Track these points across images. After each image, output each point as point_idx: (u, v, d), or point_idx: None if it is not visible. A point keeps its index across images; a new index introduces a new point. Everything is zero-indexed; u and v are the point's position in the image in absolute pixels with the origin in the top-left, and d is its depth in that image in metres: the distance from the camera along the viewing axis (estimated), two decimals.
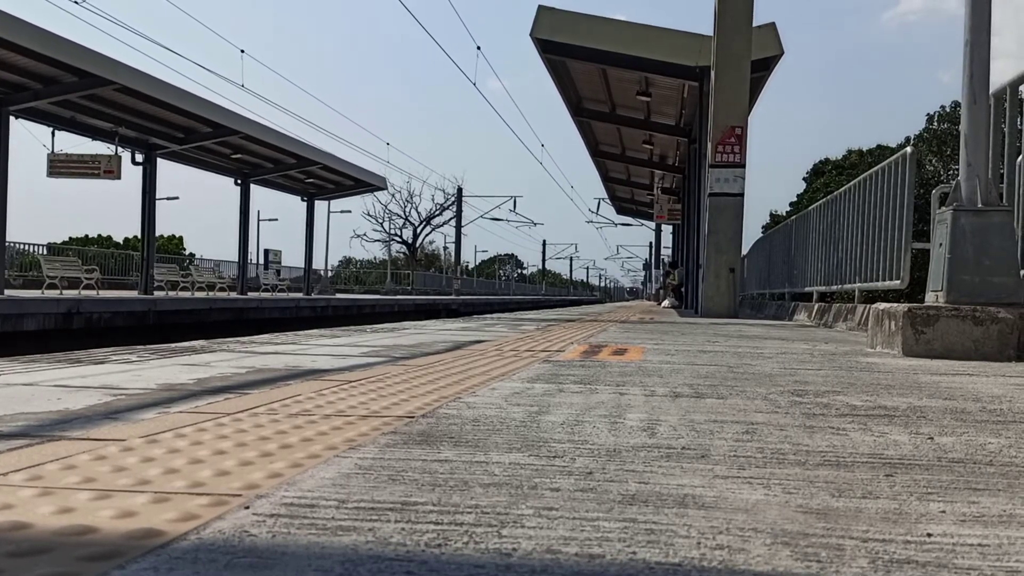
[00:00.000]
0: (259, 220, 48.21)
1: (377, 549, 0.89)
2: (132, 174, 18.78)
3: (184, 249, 46.94)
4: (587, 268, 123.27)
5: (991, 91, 4.65)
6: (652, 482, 1.24)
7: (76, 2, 15.91)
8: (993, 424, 1.91)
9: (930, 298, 4.47)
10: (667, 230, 40.69)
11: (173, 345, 4.41)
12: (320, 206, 36.98)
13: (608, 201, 42.07)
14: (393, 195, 56.40)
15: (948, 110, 25.53)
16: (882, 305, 4.67)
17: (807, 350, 4.45)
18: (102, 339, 12.37)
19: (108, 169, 17.08)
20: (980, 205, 4.32)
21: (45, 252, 25.80)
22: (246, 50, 23.59)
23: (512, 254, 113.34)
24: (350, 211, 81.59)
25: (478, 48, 25.98)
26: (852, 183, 8.97)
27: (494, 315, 11.87)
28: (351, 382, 2.49)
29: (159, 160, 19.44)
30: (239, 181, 23.40)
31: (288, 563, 0.85)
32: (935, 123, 25.81)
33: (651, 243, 50.00)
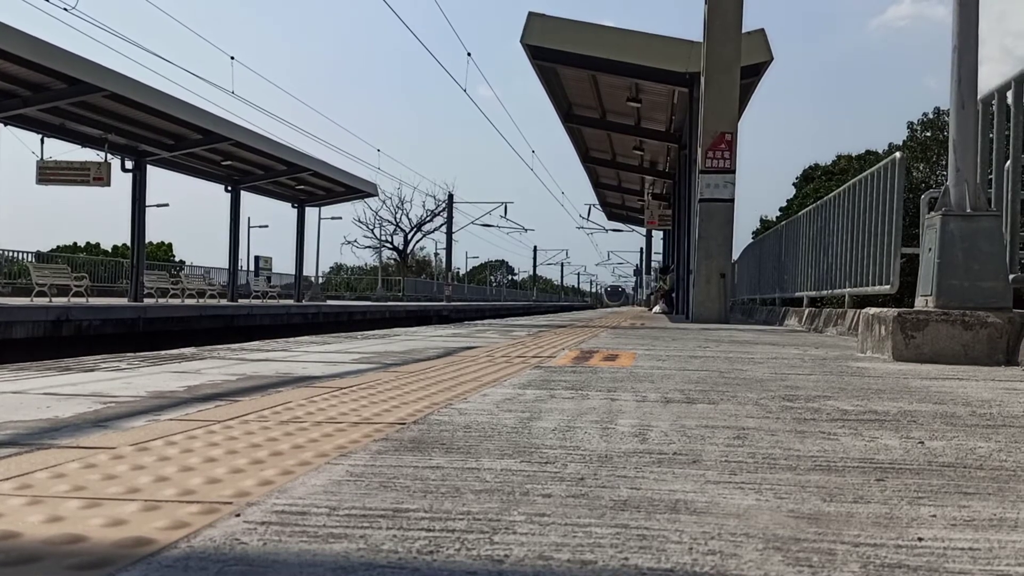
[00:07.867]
0: (249, 227, 48.08)
1: (369, 556, 0.89)
2: (122, 181, 18.72)
3: (174, 256, 46.78)
4: (578, 274, 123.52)
5: (979, 96, 4.68)
6: (644, 488, 1.24)
7: (66, 9, 15.87)
8: (983, 428, 1.92)
9: (920, 303, 4.49)
10: (658, 236, 40.81)
11: (163, 352, 4.39)
12: (311, 213, 37.11)
13: (599, 207, 42.10)
14: (384, 201, 56.46)
15: (930, 117, 25.58)
16: (872, 310, 4.69)
17: (798, 355, 4.46)
18: (91, 347, 12.31)
19: (97, 176, 17.03)
20: (969, 210, 4.34)
21: (34, 259, 25.66)
22: (236, 57, 23.55)
23: (503, 260, 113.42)
24: (341, 218, 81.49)
25: (468, 55, 25.94)
26: (841, 188, 9.01)
27: (485, 321, 11.86)
28: (342, 389, 2.48)
29: (149, 167, 19.39)
30: (229, 188, 23.35)
31: (279, 571, 0.84)
32: (917, 131, 25.85)
33: (642, 248, 50.16)
